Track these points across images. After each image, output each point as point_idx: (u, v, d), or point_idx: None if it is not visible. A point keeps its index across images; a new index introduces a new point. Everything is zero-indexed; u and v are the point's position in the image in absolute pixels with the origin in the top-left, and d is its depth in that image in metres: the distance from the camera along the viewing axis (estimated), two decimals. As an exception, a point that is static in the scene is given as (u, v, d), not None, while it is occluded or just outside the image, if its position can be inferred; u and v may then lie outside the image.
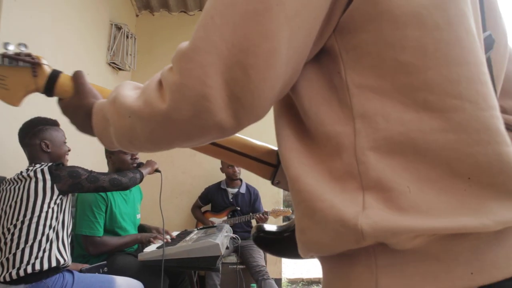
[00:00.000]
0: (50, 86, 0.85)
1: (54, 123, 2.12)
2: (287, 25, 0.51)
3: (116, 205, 2.61)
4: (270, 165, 0.88)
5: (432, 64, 0.52)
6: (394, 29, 0.52)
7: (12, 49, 0.88)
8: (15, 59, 0.86)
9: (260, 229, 0.93)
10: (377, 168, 0.52)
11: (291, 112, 0.62)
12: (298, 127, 0.61)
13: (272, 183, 0.89)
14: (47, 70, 0.87)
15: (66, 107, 0.84)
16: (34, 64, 0.86)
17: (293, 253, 0.91)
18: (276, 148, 0.89)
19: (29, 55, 0.87)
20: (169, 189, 4.20)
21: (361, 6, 0.53)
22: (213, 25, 0.52)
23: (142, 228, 2.93)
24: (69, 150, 2.19)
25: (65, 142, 2.16)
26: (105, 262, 2.37)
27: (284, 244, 0.91)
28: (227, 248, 2.71)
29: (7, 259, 1.81)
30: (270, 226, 0.94)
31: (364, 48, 0.54)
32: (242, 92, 0.52)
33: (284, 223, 0.94)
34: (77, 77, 0.84)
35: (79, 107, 0.80)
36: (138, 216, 2.89)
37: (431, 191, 0.50)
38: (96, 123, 0.72)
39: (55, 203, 1.91)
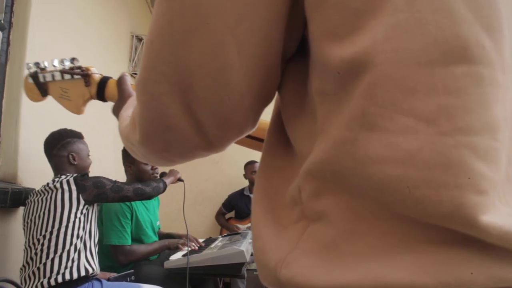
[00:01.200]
0: (101, 93, 0.94)
1: (80, 136, 2.17)
2: (231, 35, 0.42)
3: (140, 213, 2.64)
4: None
5: (379, 61, 0.36)
6: (342, 17, 0.38)
7: (68, 64, 0.97)
8: (69, 73, 0.95)
9: None
10: (315, 197, 0.42)
11: (278, 127, 0.53)
12: (279, 142, 0.52)
13: None
14: (97, 78, 0.95)
15: (113, 111, 0.88)
16: (84, 76, 0.94)
17: None
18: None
19: (79, 67, 0.96)
20: (192, 196, 4.23)
21: None
22: (153, 51, 0.46)
23: (169, 236, 2.95)
24: (90, 163, 2.23)
25: (88, 155, 2.21)
26: (132, 270, 2.39)
27: None
28: (251, 254, 2.71)
29: (38, 269, 1.84)
30: None
31: (315, 45, 0.42)
32: (204, 115, 0.46)
33: None
34: (119, 82, 0.89)
35: (118, 112, 0.83)
36: (158, 222, 2.91)
37: (366, 233, 0.38)
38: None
39: (81, 213, 1.95)
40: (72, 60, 0.98)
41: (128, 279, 2.31)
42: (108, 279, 2.24)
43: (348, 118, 0.38)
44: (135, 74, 3.96)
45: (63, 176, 1.97)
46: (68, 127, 2.14)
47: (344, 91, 0.39)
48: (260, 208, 0.48)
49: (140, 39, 4.07)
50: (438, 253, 0.36)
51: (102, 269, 2.44)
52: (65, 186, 1.92)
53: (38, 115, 2.27)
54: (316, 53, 0.41)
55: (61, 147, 2.08)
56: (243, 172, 4.07)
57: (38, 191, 1.97)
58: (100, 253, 2.54)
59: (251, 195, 3.93)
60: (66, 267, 1.86)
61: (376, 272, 0.36)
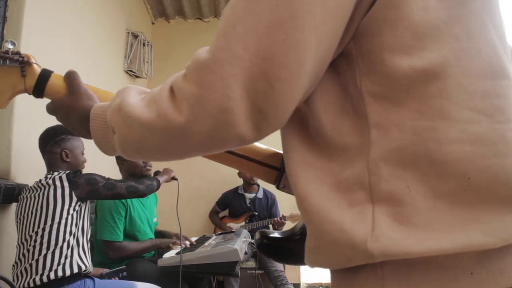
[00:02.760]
0: (40, 86, 0.79)
1: (74, 134, 2.14)
2: (315, 34, 0.49)
3: (135, 210, 2.64)
4: (274, 168, 0.85)
5: (452, 72, 0.50)
6: (412, 37, 0.51)
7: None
8: (1, 57, 0.79)
9: (264, 236, 0.90)
10: (388, 180, 0.50)
11: (299, 121, 0.60)
12: (306, 137, 0.59)
13: (277, 187, 0.86)
14: (37, 69, 0.81)
15: (58, 108, 0.78)
16: (23, 63, 0.79)
17: (297, 260, 0.89)
18: (280, 151, 0.85)
19: (17, 53, 0.80)
20: (186, 194, 4.22)
21: (380, 9, 0.51)
22: (235, 35, 0.50)
23: (162, 235, 2.95)
24: (85, 161, 2.23)
25: (83, 153, 2.20)
26: (124, 266, 2.39)
27: (288, 251, 0.89)
28: (245, 253, 2.71)
29: (30, 265, 1.83)
30: (274, 232, 0.92)
31: (378, 54, 0.52)
32: (266, 104, 0.50)
33: (288, 229, 0.92)
34: (71, 77, 0.78)
35: (73, 108, 0.75)
36: (155, 219, 2.92)
37: (443, 205, 0.48)
38: (95, 128, 0.69)
39: (74, 209, 1.94)
40: (8, 42, 0.81)
41: (120, 275, 2.30)
42: (101, 275, 2.23)
43: (423, 112, 0.50)
44: (130, 71, 3.94)
45: (56, 173, 1.96)
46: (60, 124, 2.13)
47: (406, 93, 0.50)
48: (318, 197, 0.53)
49: (135, 36, 4.05)
50: (501, 219, 0.46)
51: (96, 265, 2.44)
52: (58, 183, 1.92)
53: (31, 111, 2.26)
54: (376, 62, 0.52)
55: (54, 143, 2.07)
56: (237, 171, 4.07)
57: (30, 187, 1.96)
58: (95, 249, 2.54)
59: (245, 194, 3.96)
60: (58, 264, 1.85)
61: (461, 238, 0.46)
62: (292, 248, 0.87)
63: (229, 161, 0.86)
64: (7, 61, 0.79)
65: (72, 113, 0.75)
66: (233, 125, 0.51)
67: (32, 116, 2.28)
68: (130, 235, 2.60)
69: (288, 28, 0.48)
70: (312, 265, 0.59)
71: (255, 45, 0.49)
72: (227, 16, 0.52)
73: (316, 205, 0.53)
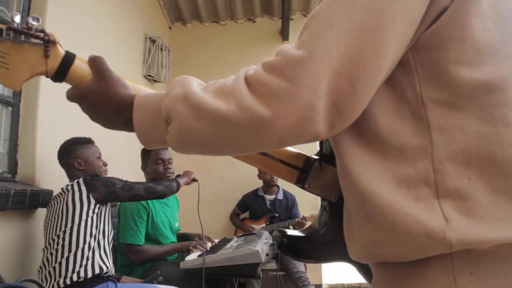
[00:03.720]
0: (64, 70, 0.72)
1: (86, 141, 2.22)
2: (394, 43, 0.55)
3: (157, 214, 2.66)
4: (296, 168, 0.88)
5: (510, 85, 0.57)
6: (474, 53, 0.57)
7: (18, 21, 0.71)
8: (24, 33, 0.70)
9: (284, 234, 0.91)
10: (454, 177, 0.55)
11: (352, 125, 0.61)
12: (359, 138, 0.63)
13: (302, 187, 0.88)
14: (61, 51, 0.73)
15: (84, 95, 0.71)
16: (48, 42, 0.71)
17: (316, 258, 0.90)
18: (303, 153, 0.88)
19: (42, 30, 0.71)
20: (206, 197, 4.24)
21: (446, 26, 0.58)
22: (332, 36, 0.54)
23: (184, 236, 2.97)
24: (105, 165, 2.27)
25: (98, 157, 2.24)
26: (158, 272, 2.38)
27: (308, 249, 0.90)
28: (267, 255, 2.70)
29: (54, 268, 1.87)
30: (293, 231, 0.92)
31: (442, 65, 0.58)
32: (345, 103, 0.54)
33: (306, 227, 0.93)
34: (98, 62, 0.73)
35: (107, 97, 0.70)
36: (177, 224, 2.94)
37: (502, 200, 0.53)
38: (139, 118, 0.65)
39: (93, 212, 1.99)
40: (32, 18, 0.72)
41: (155, 282, 2.29)
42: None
43: (486, 119, 0.56)
44: (149, 75, 3.99)
45: (75, 180, 2.04)
46: (83, 130, 2.17)
47: (467, 100, 0.56)
48: (385, 192, 0.57)
49: (153, 41, 4.09)
50: None
51: (119, 267, 2.48)
52: (76, 187, 1.99)
53: (54, 118, 2.30)
54: (439, 72, 0.58)
55: (66, 155, 2.16)
56: (257, 173, 4.07)
57: (55, 195, 2.04)
58: (118, 252, 2.57)
59: (265, 195, 3.96)
60: (80, 265, 1.89)
61: None
62: (315, 244, 0.88)
63: (254, 159, 0.87)
64: (31, 38, 0.70)
65: (104, 101, 0.70)
66: (315, 122, 0.54)
67: (56, 123, 2.33)
68: (152, 239, 2.63)
69: (376, 35, 0.54)
70: (373, 259, 0.63)
71: (346, 47, 0.53)
72: (324, 17, 0.56)
73: (386, 199, 0.57)
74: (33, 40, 0.70)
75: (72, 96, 0.73)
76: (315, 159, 0.88)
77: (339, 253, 0.82)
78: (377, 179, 0.59)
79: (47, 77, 0.73)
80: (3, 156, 2.17)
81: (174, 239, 2.82)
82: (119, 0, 3.39)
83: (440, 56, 0.58)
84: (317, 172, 0.87)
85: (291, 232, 0.91)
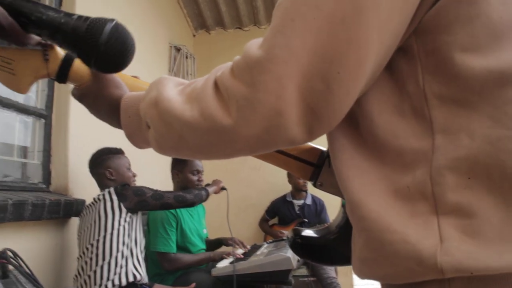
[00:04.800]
0: (63, 72, 0.74)
1: (118, 152, 2.26)
2: (378, 32, 0.44)
3: (185, 222, 2.67)
4: (310, 164, 0.79)
5: None
6: (489, 36, 0.46)
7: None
8: None
9: (297, 234, 0.84)
10: (456, 190, 0.45)
11: (348, 119, 0.53)
12: (355, 138, 0.54)
13: (314, 185, 0.80)
14: (61, 53, 0.75)
15: (84, 96, 0.73)
16: (45, 47, 0.73)
17: (332, 260, 0.84)
18: (316, 146, 0.80)
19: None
20: (235, 203, 4.21)
21: (451, 4, 0.46)
22: (294, 30, 0.45)
23: (218, 241, 2.97)
24: (134, 175, 2.31)
25: (128, 168, 2.28)
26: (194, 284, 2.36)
27: (323, 250, 0.83)
28: (298, 261, 2.68)
29: (89, 277, 1.91)
30: (308, 231, 0.85)
31: (447, 53, 0.47)
32: (320, 106, 0.46)
33: (322, 227, 0.86)
34: None
35: (101, 97, 0.71)
36: (205, 231, 2.94)
37: None
38: (125, 120, 0.65)
39: (125, 220, 2.02)
40: None
41: None
42: None
43: (498, 119, 0.45)
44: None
45: (106, 190, 2.07)
46: (113, 140, 2.20)
47: (478, 96, 0.46)
48: (375, 204, 0.49)
49: (178, 49, 4.14)
50: None
51: (151, 276, 2.49)
52: (107, 197, 2.02)
53: (85, 128, 2.34)
54: (443, 61, 0.47)
55: (98, 165, 2.19)
56: (285, 178, 4.04)
57: (87, 205, 2.08)
58: (149, 261, 2.59)
59: (294, 201, 3.92)
60: (115, 273, 1.92)
61: None
62: (327, 248, 0.81)
63: (263, 155, 0.79)
64: (29, 44, 0.72)
65: (100, 102, 0.71)
66: (285, 128, 0.47)
67: (86, 133, 2.37)
68: (182, 248, 2.63)
69: (351, 25, 0.44)
70: (365, 277, 0.54)
71: (314, 42, 0.44)
72: (285, 9, 0.47)
73: (374, 212, 0.49)
74: (32, 46, 0.72)
75: (74, 95, 0.75)
76: (328, 154, 0.82)
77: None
78: (370, 187, 0.50)
79: (52, 79, 0.76)
80: (37, 167, 2.22)
81: (203, 246, 2.83)
82: (144, 11, 3.44)
83: (445, 41, 0.47)
84: (328, 168, 0.78)
85: (306, 232, 0.85)
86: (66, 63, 0.74)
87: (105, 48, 0.57)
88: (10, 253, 1.20)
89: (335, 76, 0.45)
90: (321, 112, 0.47)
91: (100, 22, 0.56)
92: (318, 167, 0.78)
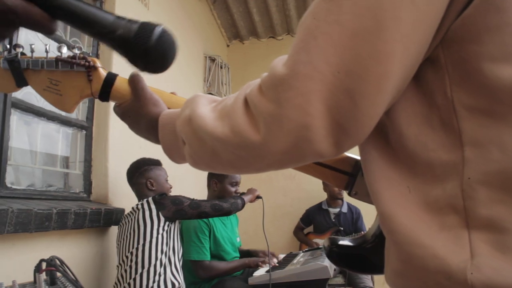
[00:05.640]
0: (106, 90, 0.78)
1: (157, 163, 2.32)
2: (402, 43, 0.44)
3: (217, 230, 2.68)
4: (345, 173, 0.80)
5: None
6: None
7: (65, 52, 0.79)
8: (69, 62, 0.78)
9: (334, 243, 0.84)
10: (488, 205, 0.45)
11: (378, 131, 0.54)
12: (385, 150, 0.54)
13: (349, 194, 0.80)
14: (103, 73, 0.79)
15: (125, 114, 0.77)
16: (89, 68, 0.78)
17: (369, 269, 0.83)
18: (351, 155, 0.80)
19: (83, 58, 0.78)
20: (270, 212, 4.23)
21: (478, 13, 0.46)
22: (316, 47, 0.46)
23: (248, 253, 2.97)
24: (171, 187, 2.36)
25: (167, 180, 2.34)
26: None
27: (359, 259, 0.83)
28: (334, 270, 2.64)
29: (129, 284, 1.95)
30: (345, 239, 0.85)
31: (475, 63, 0.46)
32: (347, 120, 0.46)
33: (359, 236, 0.85)
34: (134, 81, 0.76)
35: (140, 115, 0.74)
36: (238, 239, 2.94)
37: None
38: (163, 137, 0.68)
39: (163, 229, 2.05)
40: (74, 48, 0.79)
41: None
42: None
43: None
44: (210, 93, 4.08)
45: (145, 199, 2.11)
46: (151, 151, 2.25)
47: (509, 107, 0.44)
48: (405, 217, 0.49)
49: (213, 60, 4.20)
50: None
51: (188, 286, 2.52)
52: (146, 206, 2.06)
53: (124, 139, 2.41)
54: (472, 71, 0.46)
55: (139, 174, 2.24)
56: (320, 186, 4.01)
57: (126, 214, 2.13)
58: (185, 269, 2.62)
59: (329, 209, 3.89)
60: (154, 281, 1.96)
61: None
62: (364, 257, 0.81)
63: (300, 167, 0.79)
64: (74, 66, 0.78)
65: (139, 119, 0.75)
66: (312, 142, 0.47)
67: (125, 144, 2.44)
68: (216, 256, 2.64)
69: (373, 39, 0.44)
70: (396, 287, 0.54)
71: (338, 58, 0.45)
72: (308, 27, 0.48)
73: (404, 225, 0.49)
74: (76, 67, 0.78)
75: (116, 113, 0.79)
76: None
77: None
78: (400, 200, 0.50)
79: (95, 98, 0.79)
80: (79, 177, 2.30)
81: (236, 254, 2.83)
82: (181, 24, 3.53)
83: (473, 51, 0.46)
84: (362, 177, 0.77)
85: (342, 241, 0.85)
86: (108, 83, 0.78)
87: (154, 51, 0.60)
88: (57, 261, 1.24)
89: (361, 91, 0.45)
90: (348, 126, 0.47)
91: (149, 26, 0.60)
92: (352, 176, 0.79)
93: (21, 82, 0.79)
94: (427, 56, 0.49)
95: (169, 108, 0.75)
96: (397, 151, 0.53)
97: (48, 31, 0.51)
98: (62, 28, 2.24)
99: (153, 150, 2.22)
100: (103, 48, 2.40)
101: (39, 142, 2.08)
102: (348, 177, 0.79)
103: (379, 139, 0.55)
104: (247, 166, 0.55)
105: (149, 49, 0.60)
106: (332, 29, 0.46)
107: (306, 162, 0.53)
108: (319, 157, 0.50)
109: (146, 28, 0.60)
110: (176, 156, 0.68)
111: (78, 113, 2.31)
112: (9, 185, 1.78)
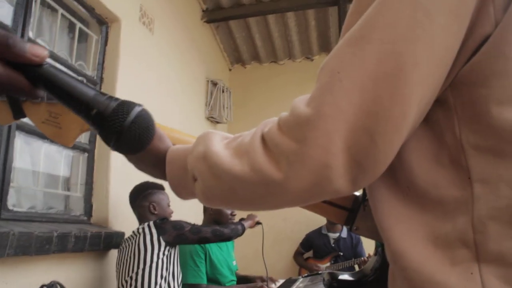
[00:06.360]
0: None
1: (161, 187, 2.33)
2: (420, 87, 0.47)
3: (213, 254, 2.68)
4: (345, 209, 0.80)
5: None
6: None
7: None
8: None
9: (334, 278, 0.84)
10: (498, 240, 0.47)
11: (386, 170, 0.55)
12: (394, 186, 0.56)
13: (350, 230, 0.81)
14: None
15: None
16: None
17: None
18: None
19: None
20: (270, 236, 4.19)
21: (488, 59, 0.49)
22: (341, 89, 0.48)
23: (246, 279, 2.95)
24: (172, 212, 2.37)
25: (169, 205, 2.35)
26: None
27: None
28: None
29: (128, 308, 1.93)
30: (344, 274, 0.86)
31: (483, 106, 0.49)
32: (365, 158, 0.48)
33: (358, 271, 0.87)
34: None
35: (145, 151, 0.71)
36: (234, 263, 2.93)
37: None
38: (171, 173, 0.67)
39: (163, 254, 2.05)
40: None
41: None
42: None
43: None
44: (211, 117, 4.11)
45: (146, 223, 2.11)
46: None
47: None
48: (416, 254, 0.50)
49: (215, 84, 4.25)
50: None
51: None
52: (147, 230, 2.06)
53: (126, 163, 2.41)
54: (480, 113, 0.49)
55: (142, 197, 2.25)
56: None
57: (126, 238, 2.13)
58: (184, 294, 2.59)
59: (329, 234, 3.87)
60: None
61: None
62: None
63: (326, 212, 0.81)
64: None
65: (144, 154, 0.71)
66: (332, 180, 0.49)
67: (127, 167, 2.43)
68: (212, 279, 2.63)
69: (394, 82, 0.46)
70: None
71: (361, 99, 0.47)
72: (332, 68, 0.50)
73: (416, 262, 0.50)
74: None
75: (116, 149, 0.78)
76: (363, 198, 0.82)
77: None
78: (410, 236, 0.52)
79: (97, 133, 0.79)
80: (79, 200, 2.30)
81: (233, 277, 2.81)
82: (183, 47, 3.58)
83: (481, 94, 0.49)
84: (363, 213, 0.79)
85: (342, 276, 0.86)
86: None
87: (127, 132, 0.58)
88: (58, 286, 1.25)
89: (380, 130, 0.47)
90: (366, 164, 0.48)
91: (128, 105, 0.58)
92: (353, 212, 0.79)
93: (18, 114, 0.76)
94: (437, 97, 0.52)
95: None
96: (407, 188, 0.54)
97: (32, 97, 0.52)
98: (67, 52, 2.29)
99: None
100: (108, 72, 2.44)
101: (42, 164, 2.10)
102: (348, 212, 0.80)
103: (387, 177, 0.56)
104: (265, 203, 0.56)
105: (123, 129, 0.57)
106: (357, 73, 0.48)
107: (323, 199, 0.55)
108: (336, 194, 0.51)
109: (124, 107, 0.57)
110: (183, 192, 0.67)
111: (81, 136, 2.33)
112: (10, 208, 1.79)
